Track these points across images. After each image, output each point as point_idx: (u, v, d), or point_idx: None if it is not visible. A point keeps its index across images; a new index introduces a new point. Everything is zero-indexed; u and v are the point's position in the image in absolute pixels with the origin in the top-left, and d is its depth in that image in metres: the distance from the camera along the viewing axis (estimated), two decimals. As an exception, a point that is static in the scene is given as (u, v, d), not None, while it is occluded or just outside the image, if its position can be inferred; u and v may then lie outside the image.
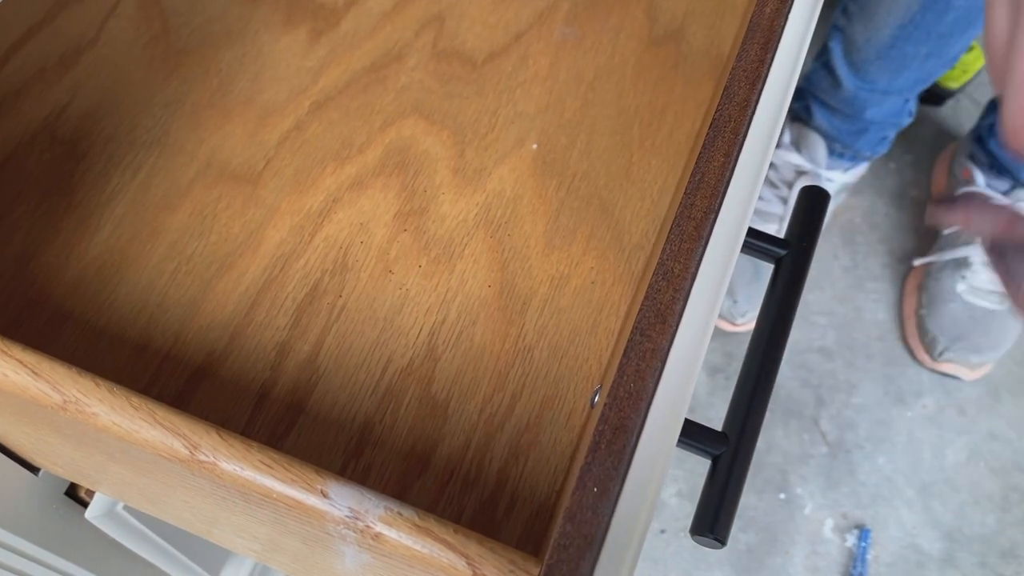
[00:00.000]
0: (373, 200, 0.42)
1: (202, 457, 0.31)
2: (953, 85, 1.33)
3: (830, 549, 1.08)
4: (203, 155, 0.43)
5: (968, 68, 1.33)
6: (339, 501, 0.31)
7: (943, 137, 1.34)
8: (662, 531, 1.08)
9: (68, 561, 0.53)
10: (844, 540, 1.08)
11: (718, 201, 0.34)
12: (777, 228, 1.18)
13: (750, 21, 0.38)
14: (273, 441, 0.36)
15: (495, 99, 0.46)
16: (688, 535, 0.89)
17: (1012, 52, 0.37)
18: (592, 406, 0.37)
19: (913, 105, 1.13)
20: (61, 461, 0.47)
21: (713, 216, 0.33)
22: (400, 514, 0.31)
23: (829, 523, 1.09)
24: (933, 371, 1.17)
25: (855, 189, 1.28)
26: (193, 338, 0.38)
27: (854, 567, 1.06)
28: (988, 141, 1.16)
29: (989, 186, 1.17)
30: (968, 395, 1.17)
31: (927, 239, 1.26)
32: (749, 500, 1.10)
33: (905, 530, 1.09)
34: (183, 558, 0.63)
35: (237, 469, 0.31)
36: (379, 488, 0.35)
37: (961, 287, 1.15)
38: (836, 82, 1.10)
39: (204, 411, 0.36)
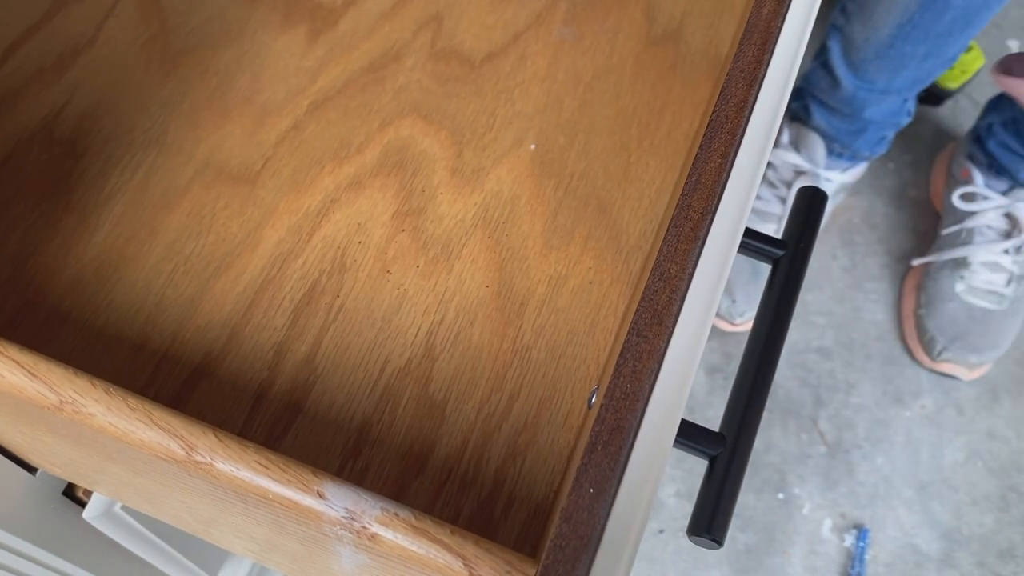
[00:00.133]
0: (371, 200, 0.42)
1: (199, 458, 0.31)
2: (952, 85, 1.33)
3: (828, 549, 1.08)
4: (201, 155, 0.43)
5: (967, 68, 1.33)
6: (335, 502, 0.31)
7: (942, 137, 1.34)
8: (660, 531, 1.08)
9: (66, 561, 0.53)
10: (842, 540, 1.08)
11: (715, 202, 0.34)
12: (776, 228, 1.17)
13: (747, 22, 0.38)
14: (271, 441, 0.36)
15: (493, 99, 0.46)
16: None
17: None
18: (589, 407, 0.37)
19: (912, 105, 1.13)
20: (58, 461, 0.47)
21: (710, 217, 0.33)
22: (396, 515, 0.31)
23: (827, 523, 1.09)
24: (931, 371, 1.17)
25: (854, 189, 1.28)
26: (191, 338, 0.38)
27: (852, 567, 1.06)
28: (987, 141, 1.16)
29: (988, 186, 1.17)
30: (966, 395, 1.17)
31: (926, 239, 1.26)
32: (747, 500, 1.10)
33: (903, 530, 1.09)
34: (181, 558, 0.63)
35: (233, 470, 0.31)
36: (377, 488, 0.35)
37: (960, 287, 1.15)
38: (835, 82, 1.10)
39: (202, 411, 0.36)
